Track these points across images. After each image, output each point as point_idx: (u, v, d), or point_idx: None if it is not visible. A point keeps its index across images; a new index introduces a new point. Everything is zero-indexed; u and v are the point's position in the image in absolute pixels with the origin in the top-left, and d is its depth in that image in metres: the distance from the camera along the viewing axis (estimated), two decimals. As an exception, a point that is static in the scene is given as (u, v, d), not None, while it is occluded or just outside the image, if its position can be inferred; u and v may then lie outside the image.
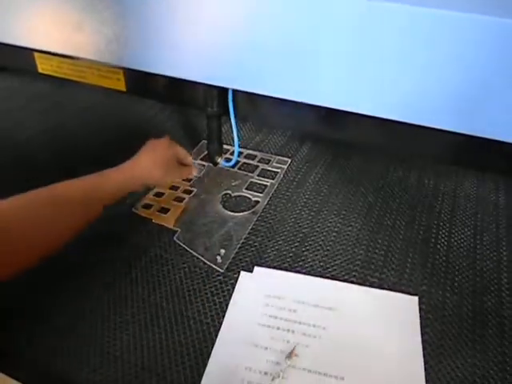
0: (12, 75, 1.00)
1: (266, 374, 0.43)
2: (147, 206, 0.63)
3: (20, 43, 0.61)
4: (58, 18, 0.55)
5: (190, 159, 0.66)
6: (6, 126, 0.83)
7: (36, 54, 0.86)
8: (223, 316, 0.48)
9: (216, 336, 0.46)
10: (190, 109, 0.83)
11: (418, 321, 0.47)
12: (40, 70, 0.87)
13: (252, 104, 0.75)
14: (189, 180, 0.68)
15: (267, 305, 0.49)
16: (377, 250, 0.56)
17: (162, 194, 0.66)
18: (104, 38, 0.53)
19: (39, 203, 0.46)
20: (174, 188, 0.67)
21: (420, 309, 0.49)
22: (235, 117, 0.65)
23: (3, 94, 0.94)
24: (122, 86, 0.78)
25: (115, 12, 0.50)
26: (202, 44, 0.48)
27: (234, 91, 0.63)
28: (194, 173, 0.67)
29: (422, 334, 0.46)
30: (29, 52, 0.86)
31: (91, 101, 0.89)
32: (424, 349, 0.45)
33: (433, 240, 0.58)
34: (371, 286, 0.51)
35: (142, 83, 0.79)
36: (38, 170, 0.70)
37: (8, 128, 0.82)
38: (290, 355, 0.43)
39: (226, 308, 0.49)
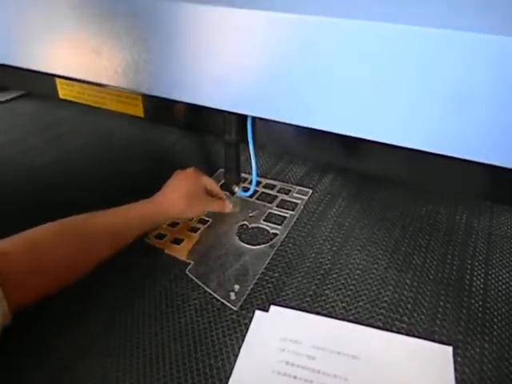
0: (34, 101, 1.01)
1: (280, 430, 0.38)
2: (160, 236, 0.60)
3: (40, 69, 0.60)
4: (77, 43, 0.54)
5: (219, 191, 0.64)
6: (20, 151, 0.82)
7: (57, 80, 0.86)
8: (235, 360, 0.44)
9: (226, 383, 0.42)
10: (209, 136, 0.82)
11: (452, 375, 0.42)
12: (61, 96, 0.88)
13: (272, 132, 0.73)
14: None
15: (283, 350, 0.44)
16: (405, 292, 0.51)
17: (177, 223, 0.63)
18: (122, 64, 0.52)
19: (70, 231, 0.48)
20: (188, 218, 0.64)
21: (455, 361, 0.43)
22: (254, 144, 0.62)
23: (23, 119, 0.95)
24: (140, 112, 0.78)
25: (134, 37, 0.49)
26: (222, 71, 0.46)
27: (254, 118, 0.61)
28: (228, 209, 0.63)
29: (458, 391, 0.41)
30: (51, 78, 0.86)
31: (109, 127, 0.88)
32: (461, 408, 0.40)
33: (467, 282, 0.52)
34: (399, 332, 0.46)
35: (161, 109, 0.78)
36: (49, 196, 0.68)
37: (22, 153, 0.81)
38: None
39: (239, 351, 0.45)
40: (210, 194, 0.63)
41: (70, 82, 0.83)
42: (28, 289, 0.42)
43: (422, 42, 0.35)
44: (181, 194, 0.57)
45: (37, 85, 0.89)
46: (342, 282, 0.53)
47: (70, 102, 0.88)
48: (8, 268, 0.40)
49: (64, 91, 0.86)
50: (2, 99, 1.02)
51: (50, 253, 0.45)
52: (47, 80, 0.86)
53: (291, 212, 0.65)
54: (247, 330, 0.47)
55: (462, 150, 0.38)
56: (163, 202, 0.57)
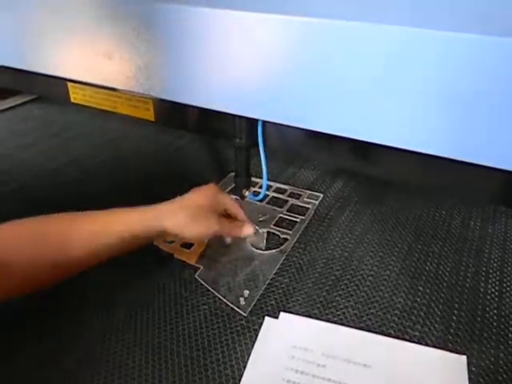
0: (46, 105, 1.02)
1: None
2: (170, 240, 0.60)
3: (52, 73, 0.61)
4: (89, 47, 0.54)
5: (241, 214, 0.56)
6: (32, 155, 0.83)
7: (69, 84, 0.86)
8: (244, 367, 0.43)
9: (235, 390, 0.42)
10: (219, 140, 0.81)
11: (467, 385, 0.41)
12: (72, 100, 0.88)
13: (282, 136, 0.72)
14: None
15: (293, 357, 0.44)
16: (418, 299, 0.50)
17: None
18: (134, 68, 0.52)
19: (46, 233, 0.45)
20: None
21: (469, 370, 0.42)
22: (264, 148, 0.62)
23: (35, 123, 0.96)
24: (151, 116, 0.78)
25: (145, 41, 0.49)
26: (233, 75, 0.46)
27: (264, 122, 0.61)
28: (247, 231, 0.55)
29: (473, 402, 0.40)
30: (63, 82, 0.87)
31: (120, 131, 0.89)
32: (475, 420, 0.39)
33: (482, 289, 0.51)
34: (411, 340, 0.45)
35: (171, 113, 0.78)
36: (60, 200, 0.68)
37: (34, 157, 0.82)
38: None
39: (248, 358, 0.44)
40: (229, 216, 0.56)
41: (82, 86, 0.84)
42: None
43: (429, 45, 0.34)
44: (185, 208, 0.50)
45: (49, 89, 0.89)
46: (354, 288, 0.52)
47: (82, 106, 0.89)
48: None
49: (76, 95, 0.86)
50: (15, 103, 1.03)
51: (19, 256, 0.42)
52: (59, 84, 0.86)
53: (302, 217, 0.64)
54: (257, 336, 0.46)
55: (472, 154, 0.37)
56: (162, 211, 0.50)
